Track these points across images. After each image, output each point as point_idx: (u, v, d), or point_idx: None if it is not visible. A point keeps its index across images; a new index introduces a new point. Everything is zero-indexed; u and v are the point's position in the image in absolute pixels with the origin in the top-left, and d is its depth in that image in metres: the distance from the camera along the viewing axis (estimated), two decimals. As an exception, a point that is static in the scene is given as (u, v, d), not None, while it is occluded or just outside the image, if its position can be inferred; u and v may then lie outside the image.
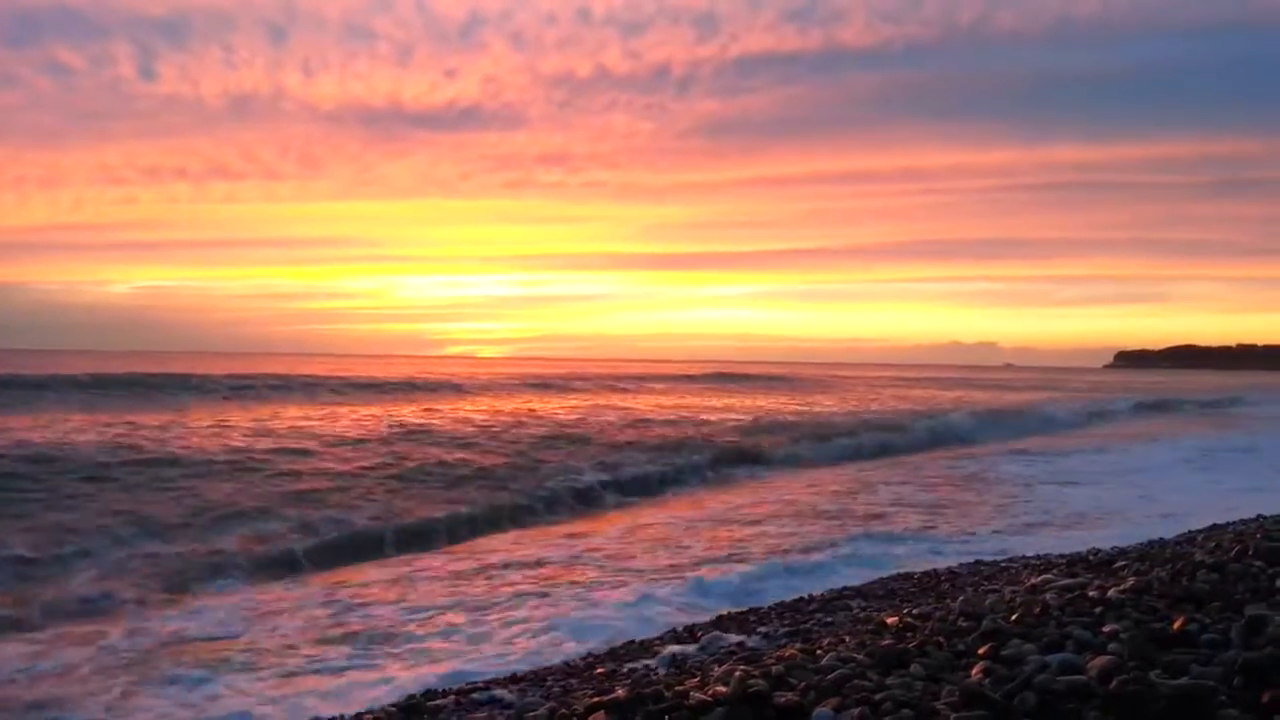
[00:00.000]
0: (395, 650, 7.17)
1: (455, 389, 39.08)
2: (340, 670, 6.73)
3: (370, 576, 9.80)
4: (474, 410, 28.96)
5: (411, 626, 7.80)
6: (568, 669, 5.94)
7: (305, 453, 17.55)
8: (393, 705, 5.34)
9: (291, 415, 24.97)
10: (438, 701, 5.31)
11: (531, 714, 3.83)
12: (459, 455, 18.31)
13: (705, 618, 7.34)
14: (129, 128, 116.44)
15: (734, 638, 6.26)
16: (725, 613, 7.46)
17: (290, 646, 7.30)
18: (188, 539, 11.02)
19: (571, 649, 6.85)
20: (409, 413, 27.19)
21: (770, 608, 7.44)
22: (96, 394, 27.32)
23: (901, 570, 9.07)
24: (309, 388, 34.05)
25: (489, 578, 9.55)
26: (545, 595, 8.74)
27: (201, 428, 20.62)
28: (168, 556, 10.27)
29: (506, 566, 10.04)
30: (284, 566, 10.48)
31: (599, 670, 5.59)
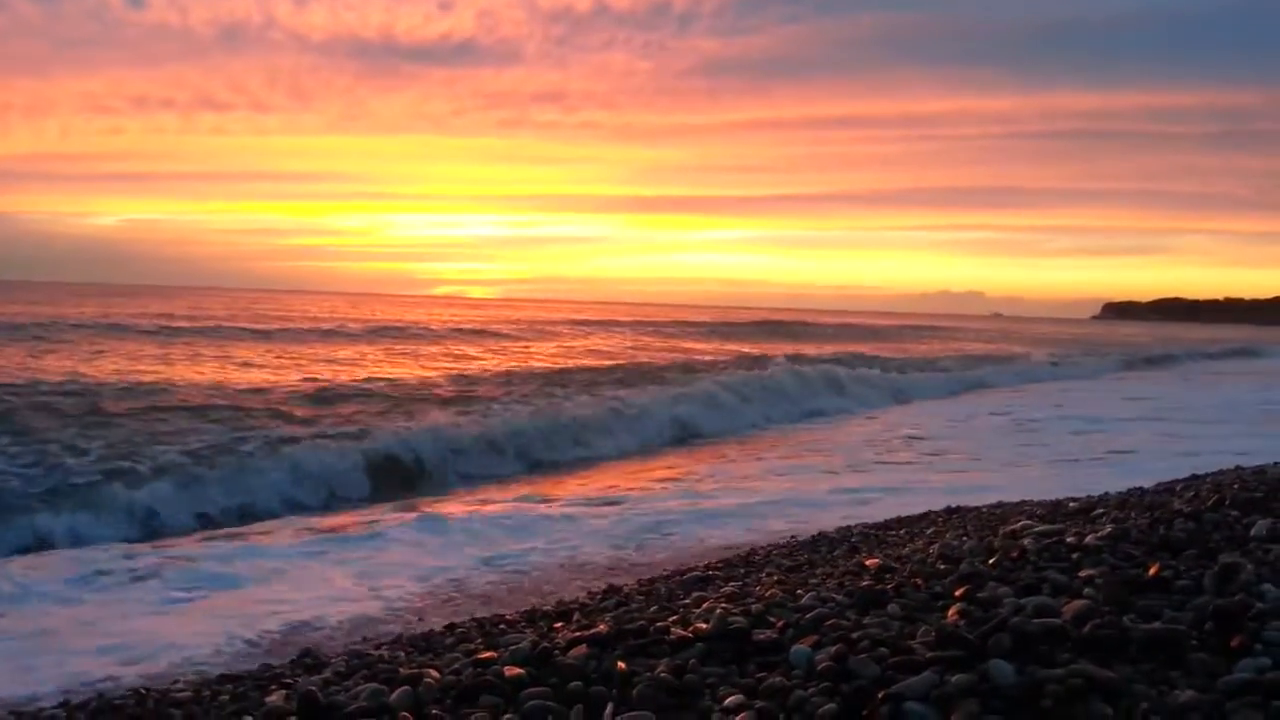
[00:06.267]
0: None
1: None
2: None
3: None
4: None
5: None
6: (561, 605, 6.02)
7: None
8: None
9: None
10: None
11: (514, 647, 3.89)
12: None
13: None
14: (116, 56, 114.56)
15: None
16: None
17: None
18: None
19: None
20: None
21: (770, 547, 7.60)
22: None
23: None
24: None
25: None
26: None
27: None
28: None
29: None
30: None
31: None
